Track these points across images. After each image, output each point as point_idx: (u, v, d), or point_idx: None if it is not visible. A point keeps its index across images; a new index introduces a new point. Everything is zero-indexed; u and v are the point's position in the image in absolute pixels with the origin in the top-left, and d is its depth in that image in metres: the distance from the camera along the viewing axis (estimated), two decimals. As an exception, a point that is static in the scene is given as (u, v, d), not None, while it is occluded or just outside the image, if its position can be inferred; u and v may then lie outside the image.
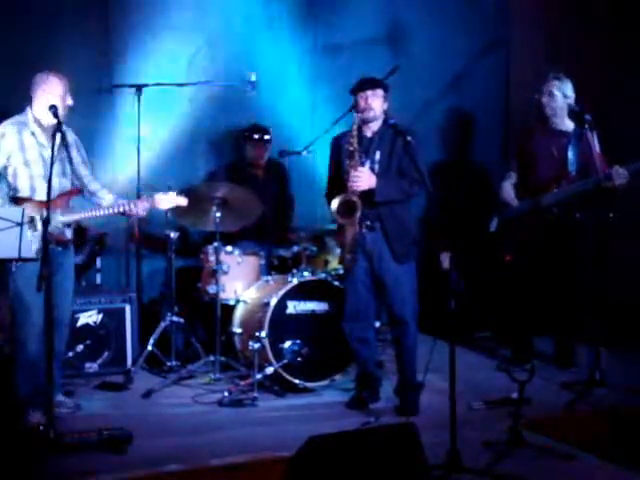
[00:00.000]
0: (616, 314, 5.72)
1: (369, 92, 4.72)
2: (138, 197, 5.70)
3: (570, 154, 5.39)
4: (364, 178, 4.63)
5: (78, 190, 4.65)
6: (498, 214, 5.61)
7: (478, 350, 6.18)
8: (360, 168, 4.65)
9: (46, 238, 4.02)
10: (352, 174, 4.64)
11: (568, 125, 5.48)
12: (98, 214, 4.65)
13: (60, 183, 4.55)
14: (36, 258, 4.15)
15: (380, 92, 4.75)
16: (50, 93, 4.52)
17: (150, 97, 5.95)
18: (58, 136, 4.38)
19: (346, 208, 4.65)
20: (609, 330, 5.44)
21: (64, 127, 4.47)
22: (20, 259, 4.13)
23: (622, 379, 5.19)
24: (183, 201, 4.82)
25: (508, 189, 5.59)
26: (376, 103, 4.72)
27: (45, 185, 4.42)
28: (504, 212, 5.58)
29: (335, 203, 4.65)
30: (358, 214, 4.63)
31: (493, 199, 5.73)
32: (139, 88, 5.86)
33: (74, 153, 4.62)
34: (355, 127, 4.69)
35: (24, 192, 4.49)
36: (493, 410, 4.73)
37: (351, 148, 4.68)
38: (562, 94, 5.43)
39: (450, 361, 3.91)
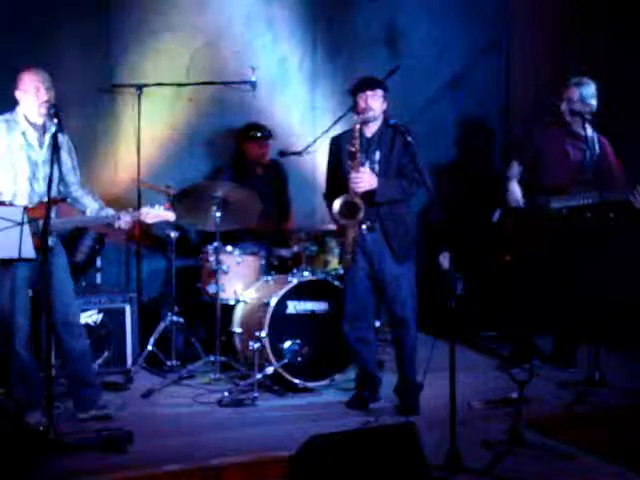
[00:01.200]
0: (616, 314, 5.73)
1: (369, 92, 4.70)
2: (138, 196, 5.72)
3: (587, 158, 5.37)
4: (365, 179, 4.61)
5: (61, 199, 4.49)
6: (502, 207, 5.59)
7: (478, 350, 6.17)
8: (361, 169, 4.63)
9: (46, 238, 4.01)
10: (353, 175, 4.62)
11: (587, 129, 5.39)
12: (81, 223, 4.53)
13: (45, 188, 4.34)
14: (35, 259, 4.15)
15: (380, 92, 4.73)
16: (24, 91, 4.39)
17: (150, 97, 5.96)
18: (47, 136, 4.36)
19: (348, 209, 4.63)
20: (609, 330, 5.45)
21: (57, 128, 4.37)
22: (20, 259, 4.13)
23: (622, 379, 5.19)
24: (171, 216, 4.68)
25: (516, 192, 5.54)
26: (376, 103, 4.70)
27: (28, 189, 4.39)
28: (511, 209, 5.56)
29: (337, 204, 4.64)
30: (360, 215, 4.62)
31: (497, 191, 5.68)
32: (139, 88, 5.86)
33: (64, 156, 4.50)
34: (357, 127, 4.67)
35: (6, 196, 4.35)
36: (493, 410, 4.73)
37: (353, 149, 4.65)
38: (581, 100, 5.36)
39: (450, 361, 3.91)
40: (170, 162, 6.19)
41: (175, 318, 5.57)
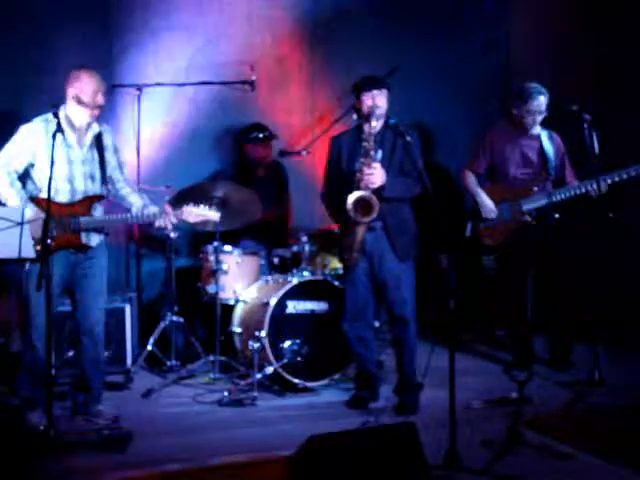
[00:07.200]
0: (615, 314, 5.73)
1: (376, 91, 4.70)
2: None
3: (548, 157, 5.42)
4: (378, 174, 4.61)
5: (101, 196, 4.49)
6: (471, 219, 5.59)
7: (478, 350, 6.18)
8: (374, 164, 4.62)
9: (46, 238, 4.01)
10: (367, 171, 4.61)
11: (537, 128, 5.50)
12: (122, 221, 4.51)
13: (85, 186, 4.42)
14: (36, 258, 4.14)
15: (385, 91, 4.74)
16: (81, 90, 4.33)
17: (150, 97, 5.96)
18: (89, 136, 4.38)
19: (361, 206, 4.60)
20: (609, 330, 5.44)
21: (103, 128, 4.43)
22: (20, 259, 4.12)
23: (621, 379, 5.19)
24: (215, 215, 4.62)
25: (489, 203, 5.55)
26: (382, 102, 4.71)
27: (68, 187, 4.40)
28: (486, 221, 5.57)
29: (351, 200, 4.59)
30: (375, 213, 4.59)
31: (465, 204, 5.73)
32: (139, 88, 5.87)
33: (109, 156, 4.50)
34: (373, 125, 4.64)
35: (46, 193, 4.27)
36: (493, 410, 4.73)
37: (367, 145, 4.63)
38: (539, 108, 5.40)
39: (450, 361, 3.91)
40: (170, 162, 6.20)
41: (175, 318, 5.58)
